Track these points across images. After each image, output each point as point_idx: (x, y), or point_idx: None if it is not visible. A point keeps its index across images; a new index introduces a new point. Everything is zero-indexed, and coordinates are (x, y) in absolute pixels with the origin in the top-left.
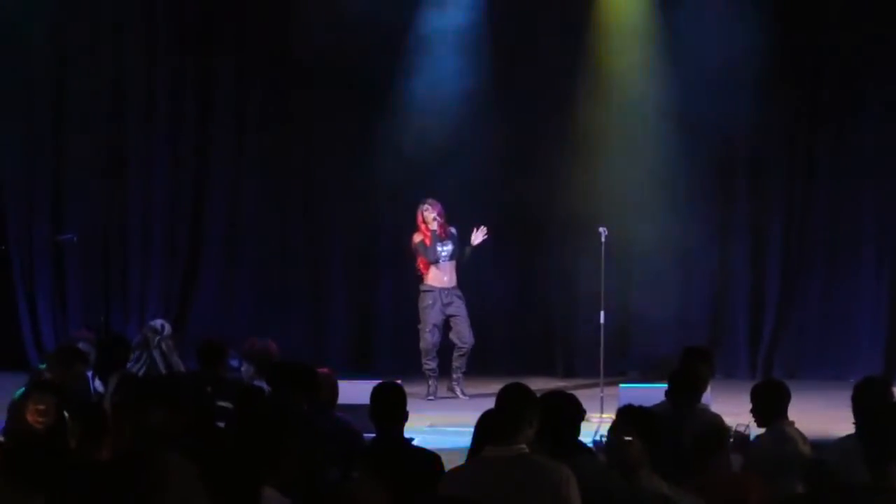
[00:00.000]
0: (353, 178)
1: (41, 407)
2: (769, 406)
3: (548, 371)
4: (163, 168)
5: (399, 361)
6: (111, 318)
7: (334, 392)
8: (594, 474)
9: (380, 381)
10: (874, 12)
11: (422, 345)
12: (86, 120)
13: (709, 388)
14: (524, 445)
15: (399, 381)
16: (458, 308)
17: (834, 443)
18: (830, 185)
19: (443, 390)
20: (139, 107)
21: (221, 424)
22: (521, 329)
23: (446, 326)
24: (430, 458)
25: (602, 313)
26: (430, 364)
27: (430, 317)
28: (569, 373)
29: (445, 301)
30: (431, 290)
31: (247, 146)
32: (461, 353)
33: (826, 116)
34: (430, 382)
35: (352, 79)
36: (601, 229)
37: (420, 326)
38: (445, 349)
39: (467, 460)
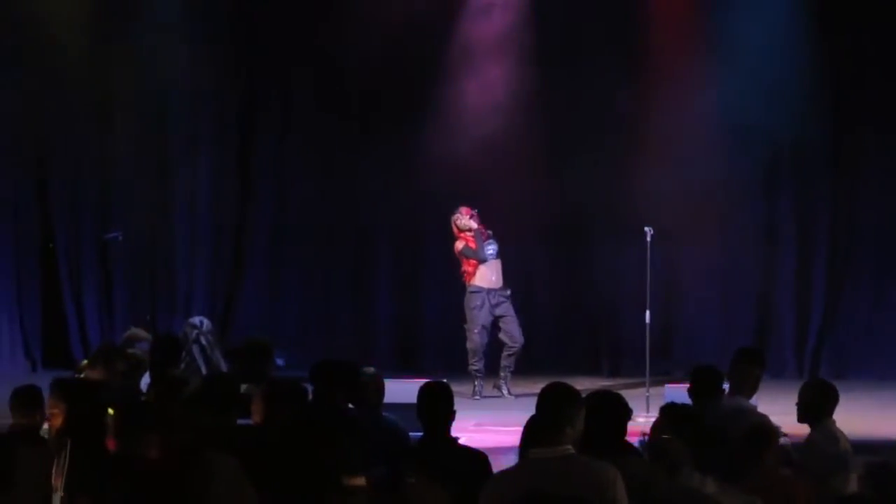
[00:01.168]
0: (397, 178)
1: (53, 411)
2: (819, 405)
3: (593, 371)
4: (208, 168)
5: (443, 361)
6: (157, 318)
7: (381, 391)
8: (640, 475)
9: (426, 380)
10: None
11: (469, 345)
12: (132, 119)
13: None
14: (570, 446)
15: (445, 381)
16: (507, 308)
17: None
18: (877, 185)
19: (488, 389)
20: (185, 106)
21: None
22: (567, 329)
23: (495, 327)
24: (477, 457)
25: (648, 313)
26: (476, 364)
27: (479, 318)
28: (614, 373)
29: (494, 302)
30: (479, 290)
31: (292, 146)
32: (510, 352)
33: (872, 116)
34: (476, 383)
35: (397, 80)
36: (647, 229)
37: (467, 326)
38: (493, 350)
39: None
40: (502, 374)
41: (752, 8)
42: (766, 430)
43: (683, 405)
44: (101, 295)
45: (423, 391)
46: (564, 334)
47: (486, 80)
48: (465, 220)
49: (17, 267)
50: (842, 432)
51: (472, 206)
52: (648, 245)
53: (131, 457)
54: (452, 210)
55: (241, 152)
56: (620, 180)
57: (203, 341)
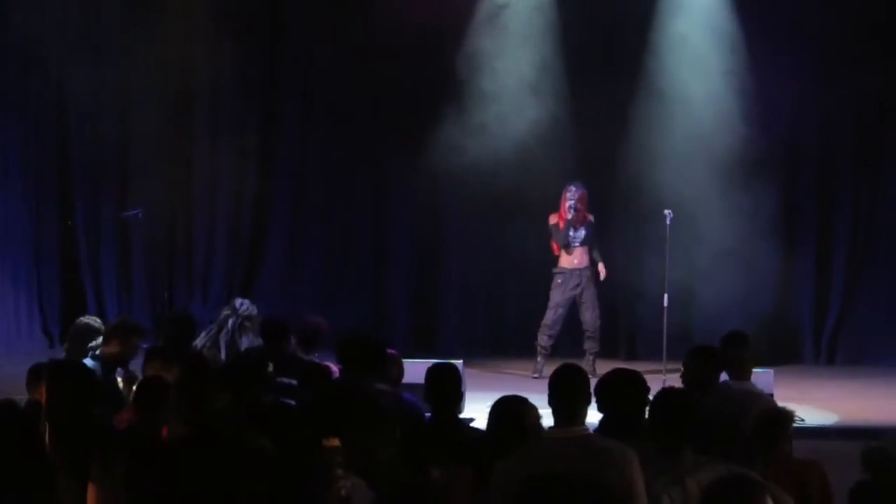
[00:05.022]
0: (417, 163)
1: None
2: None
3: (610, 355)
4: (228, 147)
5: (461, 342)
6: (175, 295)
7: (400, 372)
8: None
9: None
10: None
11: (543, 321)
12: (153, 99)
13: (771, 373)
14: (586, 426)
15: (458, 362)
16: (586, 291)
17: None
18: None
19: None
20: (205, 87)
21: (288, 401)
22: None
23: (574, 308)
24: (485, 440)
25: (666, 297)
26: (543, 341)
27: (556, 296)
28: (631, 356)
29: (574, 283)
30: (562, 272)
31: (312, 126)
32: (587, 335)
33: (894, 106)
34: (538, 359)
35: (420, 64)
36: (667, 212)
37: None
38: (573, 331)
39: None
40: (587, 356)
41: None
42: (781, 415)
43: (675, 388)
44: (119, 272)
45: (430, 372)
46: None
47: (509, 69)
48: (570, 198)
49: (36, 244)
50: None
51: (580, 185)
52: (668, 228)
53: (148, 433)
54: (568, 182)
55: (261, 131)
56: (640, 163)
57: (230, 324)
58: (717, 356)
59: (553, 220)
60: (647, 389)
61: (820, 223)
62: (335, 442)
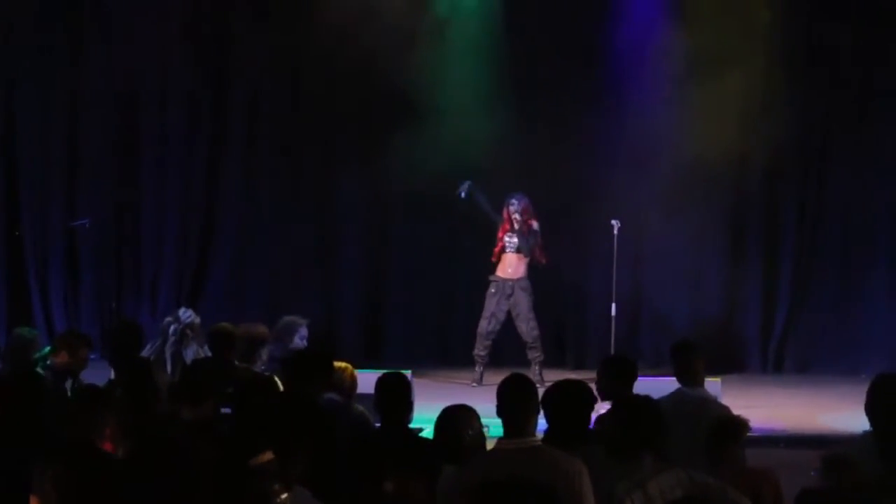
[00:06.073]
0: (365, 174)
1: None
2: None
3: (558, 363)
4: (177, 156)
5: (411, 351)
6: (123, 304)
7: (353, 383)
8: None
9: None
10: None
11: (478, 329)
12: (100, 108)
13: (719, 381)
14: (537, 437)
15: (407, 372)
16: (519, 301)
17: (852, 438)
18: (845, 180)
19: (491, 377)
20: (153, 95)
21: (228, 411)
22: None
23: (509, 318)
24: (433, 449)
25: (613, 305)
26: (479, 350)
27: (489, 305)
28: (579, 365)
29: (507, 293)
30: (496, 280)
31: (260, 138)
32: (528, 345)
33: (839, 117)
34: (476, 368)
35: (365, 74)
36: (614, 222)
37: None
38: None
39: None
40: (532, 366)
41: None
42: (736, 423)
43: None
44: (67, 282)
45: (380, 382)
46: None
47: (456, 76)
48: (513, 209)
49: None
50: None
51: (521, 195)
52: (615, 238)
53: (86, 444)
54: (508, 195)
55: (209, 140)
56: (588, 173)
57: (171, 332)
58: (630, 369)
59: (502, 234)
60: (595, 399)
61: (766, 233)
62: (267, 456)
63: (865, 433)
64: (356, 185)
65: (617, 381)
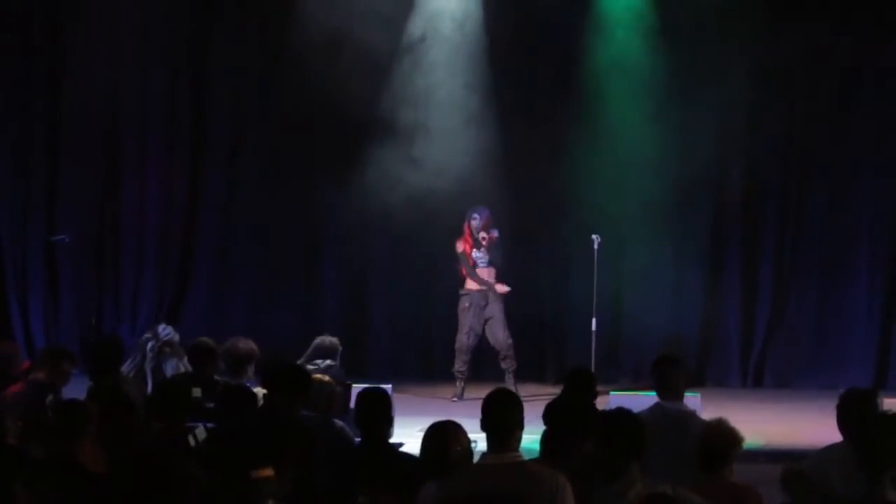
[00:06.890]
0: (346, 189)
1: None
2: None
3: (538, 378)
4: (157, 170)
5: (392, 367)
6: (103, 320)
7: (332, 398)
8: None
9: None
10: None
11: (456, 345)
12: (80, 121)
13: (698, 395)
14: (520, 453)
15: (387, 387)
16: (493, 310)
17: (818, 452)
18: (825, 194)
19: (472, 392)
20: (134, 108)
21: (210, 425)
22: (512, 335)
23: (485, 330)
24: (413, 463)
25: (594, 321)
26: (460, 366)
27: (467, 319)
28: (560, 380)
29: (482, 304)
30: (468, 293)
31: (242, 153)
32: (501, 355)
33: (818, 133)
34: (457, 384)
35: (345, 89)
36: (594, 237)
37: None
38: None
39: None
40: (506, 376)
41: (699, 19)
42: (731, 437)
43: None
44: (46, 297)
45: (360, 398)
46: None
47: (435, 85)
48: (477, 225)
49: None
50: None
51: (483, 208)
52: (595, 253)
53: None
54: (470, 209)
55: (191, 153)
56: (569, 187)
57: (149, 348)
58: (592, 383)
59: (460, 247)
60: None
61: (746, 248)
62: (268, 472)
63: (831, 446)
64: (337, 200)
65: (580, 395)
